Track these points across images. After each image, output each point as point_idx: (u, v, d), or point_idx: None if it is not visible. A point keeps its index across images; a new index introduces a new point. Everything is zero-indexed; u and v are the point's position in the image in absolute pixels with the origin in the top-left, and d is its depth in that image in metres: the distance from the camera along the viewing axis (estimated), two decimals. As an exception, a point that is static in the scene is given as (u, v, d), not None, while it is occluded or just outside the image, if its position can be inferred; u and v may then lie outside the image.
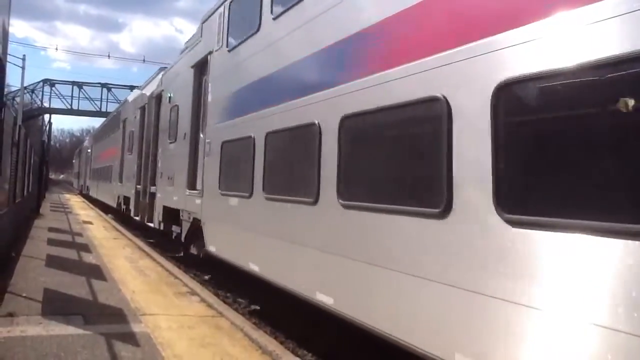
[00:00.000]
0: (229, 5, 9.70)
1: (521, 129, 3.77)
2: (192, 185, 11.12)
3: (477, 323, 3.85)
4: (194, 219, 10.66)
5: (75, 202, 37.35)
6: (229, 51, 9.58)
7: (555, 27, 3.43)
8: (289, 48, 7.29)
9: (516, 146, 3.72)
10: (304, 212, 6.44)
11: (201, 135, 10.92)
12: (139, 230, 17.74)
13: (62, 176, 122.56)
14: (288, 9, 7.33)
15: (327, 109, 6.02)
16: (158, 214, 13.85)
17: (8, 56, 14.19)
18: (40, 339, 5.66)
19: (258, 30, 8.27)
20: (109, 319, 6.62)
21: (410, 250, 4.62)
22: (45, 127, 54.50)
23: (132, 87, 47.14)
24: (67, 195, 47.19)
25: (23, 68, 39.91)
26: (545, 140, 3.57)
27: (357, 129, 5.63)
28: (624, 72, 3.03)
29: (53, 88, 56.20)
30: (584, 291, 3.14)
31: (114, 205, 23.17)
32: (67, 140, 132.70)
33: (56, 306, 7.05)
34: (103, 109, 55.01)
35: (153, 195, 14.82)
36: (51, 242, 13.56)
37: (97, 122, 54.83)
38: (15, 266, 9.79)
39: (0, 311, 6.63)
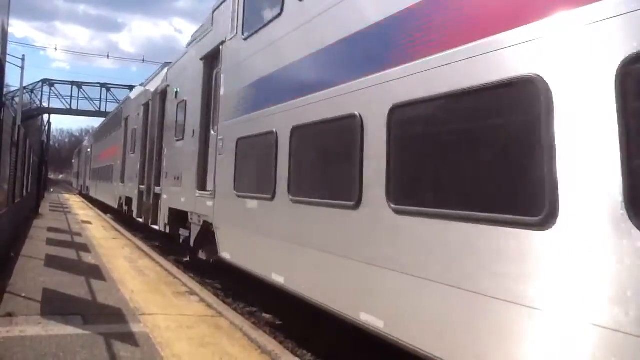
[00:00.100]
0: None
1: None
2: (202, 185, 10.36)
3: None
4: (205, 222, 9.86)
5: (75, 202, 37.34)
6: (244, 39, 8.73)
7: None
8: (319, 32, 6.35)
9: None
10: (342, 217, 5.54)
11: (212, 132, 10.16)
12: (142, 232, 17.38)
13: (61, 176, 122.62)
14: None
15: (372, 98, 5.17)
16: (164, 216, 13.04)
17: (7, 56, 14.22)
18: (39, 339, 5.65)
19: (281, 12, 7.39)
20: (108, 319, 6.61)
21: (484, 266, 3.76)
22: (45, 127, 54.57)
23: (131, 87, 46.96)
24: (67, 195, 47.19)
25: (22, 68, 39.84)
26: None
27: (413, 119, 4.78)
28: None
29: (52, 88, 56.14)
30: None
31: (115, 206, 22.54)
32: (67, 140, 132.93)
33: (55, 306, 7.04)
34: (102, 109, 54.94)
35: (158, 196, 14.11)
36: (50, 242, 13.55)
37: (96, 122, 54.86)
38: (15, 266, 9.78)
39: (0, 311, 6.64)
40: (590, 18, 3.17)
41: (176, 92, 12.83)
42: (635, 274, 2.82)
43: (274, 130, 7.19)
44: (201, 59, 10.80)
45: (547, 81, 3.38)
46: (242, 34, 8.82)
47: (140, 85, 22.66)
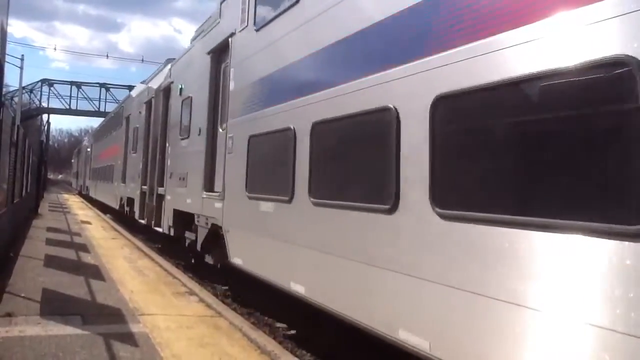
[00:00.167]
0: None
1: None
2: (209, 186, 9.86)
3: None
4: (213, 225, 9.34)
5: (74, 202, 37.33)
6: (257, 30, 8.18)
7: None
8: (344, 18, 5.79)
9: None
10: (373, 222, 4.97)
11: (220, 130, 9.69)
12: (144, 234, 17.06)
13: (60, 176, 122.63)
14: None
15: (410, 89, 4.58)
16: (167, 218, 12.47)
17: (6, 56, 14.20)
18: (38, 339, 5.65)
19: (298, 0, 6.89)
20: (108, 319, 6.61)
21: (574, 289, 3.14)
22: (44, 127, 54.48)
23: (130, 87, 46.95)
24: (66, 195, 47.18)
25: (21, 68, 39.93)
26: None
27: (467, 111, 4.12)
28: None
29: (51, 88, 56.13)
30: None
31: (116, 207, 22.04)
32: (66, 140, 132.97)
33: (55, 306, 7.04)
34: (102, 109, 54.95)
35: (161, 197, 13.56)
36: (50, 242, 13.55)
37: (95, 122, 54.72)
38: (14, 266, 9.78)
39: (-1, 311, 6.64)
40: None
41: (181, 89, 12.28)
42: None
43: (291, 127, 6.68)
44: (208, 53, 10.30)
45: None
46: (254, 24, 8.29)
47: (141, 82, 22.02)
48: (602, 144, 3.11)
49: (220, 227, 8.91)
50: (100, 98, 56.29)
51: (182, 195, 11.33)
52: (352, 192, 5.48)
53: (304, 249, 6.27)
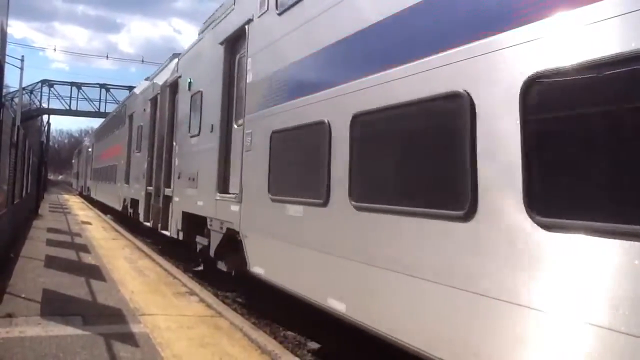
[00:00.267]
0: None
1: None
2: (224, 187, 9.10)
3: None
4: (228, 229, 8.51)
5: (74, 202, 37.34)
6: (279, 14, 7.33)
7: None
8: None
9: None
10: (444, 232, 4.12)
11: (235, 126, 8.95)
12: (150, 237, 16.58)
13: (60, 177, 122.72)
14: None
15: (487, 69, 3.82)
16: (176, 221, 11.65)
17: (6, 57, 14.21)
18: (39, 340, 5.65)
19: None
20: (108, 320, 6.61)
21: None
22: (44, 127, 54.52)
23: (130, 88, 47.12)
24: (66, 196, 47.19)
25: (21, 69, 40.09)
26: None
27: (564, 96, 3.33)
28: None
29: (51, 89, 56.19)
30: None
31: (119, 208, 21.16)
32: (66, 140, 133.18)
33: (55, 307, 7.05)
34: (102, 110, 55.05)
35: (168, 199, 12.74)
36: (50, 242, 13.55)
37: (95, 123, 54.80)
38: (14, 267, 9.78)
39: (-1, 312, 6.64)
40: None
41: (189, 83, 11.44)
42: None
43: (325, 120, 5.87)
44: (220, 44, 9.49)
45: None
46: (276, 8, 7.45)
47: (146, 79, 21.44)
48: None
49: (238, 232, 8.10)
50: (100, 99, 56.46)
51: (193, 196, 10.55)
52: (407, 195, 4.70)
53: (345, 260, 5.42)
